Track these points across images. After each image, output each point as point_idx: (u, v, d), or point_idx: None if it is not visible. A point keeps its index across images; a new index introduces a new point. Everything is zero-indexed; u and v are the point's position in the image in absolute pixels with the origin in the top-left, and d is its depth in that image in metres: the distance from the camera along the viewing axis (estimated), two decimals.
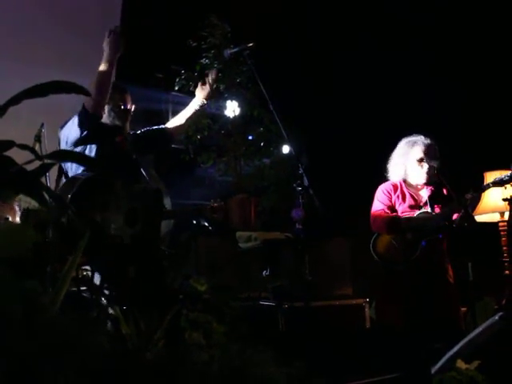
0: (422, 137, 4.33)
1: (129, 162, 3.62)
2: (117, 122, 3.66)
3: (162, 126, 4.00)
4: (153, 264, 1.76)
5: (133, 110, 3.74)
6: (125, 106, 3.68)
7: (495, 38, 7.48)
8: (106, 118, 3.64)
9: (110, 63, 3.38)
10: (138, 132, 3.91)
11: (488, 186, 4.20)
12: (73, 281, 1.58)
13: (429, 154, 4.25)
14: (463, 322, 4.25)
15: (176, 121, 3.98)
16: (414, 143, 4.32)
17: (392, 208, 4.31)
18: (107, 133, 3.60)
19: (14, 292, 1.32)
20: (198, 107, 3.90)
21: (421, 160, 4.24)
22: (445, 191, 4.27)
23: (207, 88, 3.86)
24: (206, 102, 3.90)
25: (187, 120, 3.98)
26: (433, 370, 2.17)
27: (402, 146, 4.39)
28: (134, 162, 3.66)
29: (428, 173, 4.24)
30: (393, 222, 4.23)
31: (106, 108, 3.60)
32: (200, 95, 3.89)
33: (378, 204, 4.35)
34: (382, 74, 8.15)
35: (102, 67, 3.36)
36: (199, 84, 3.91)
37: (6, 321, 1.26)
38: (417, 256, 4.13)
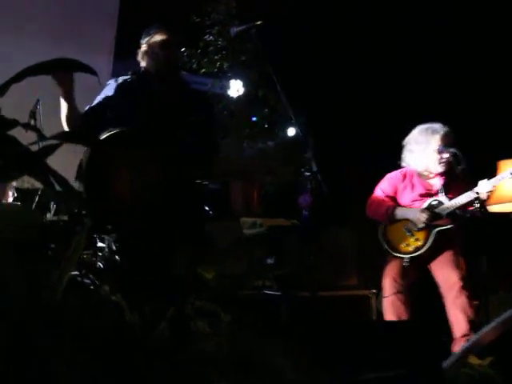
0: (441, 125, 4.27)
1: (165, 116, 3.16)
2: (158, 68, 3.27)
3: None
4: (159, 249, 1.72)
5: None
6: (164, 50, 3.30)
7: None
8: (148, 65, 3.30)
9: (68, 100, 3.01)
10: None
11: (503, 178, 4.15)
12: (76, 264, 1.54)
13: (448, 143, 4.19)
14: (476, 316, 4.18)
15: None
16: (434, 131, 4.25)
17: (393, 198, 4.27)
18: (146, 80, 3.27)
19: (17, 273, 1.28)
20: None
21: (441, 149, 4.19)
22: (458, 179, 4.19)
23: None
24: None
25: None
26: (444, 365, 2.13)
27: (421, 133, 4.31)
28: (173, 118, 3.19)
29: (448, 161, 4.16)
30: (386, 210, 4.18)
31: (147, 54, 3.32)
32: None
33: (379, 191, 4.31)
34: (394, 55, 8.05)
35: (62, 104, 3.03)
36: None
37: (8, 297, 1.23)
38: (428, 247, 4.09)
